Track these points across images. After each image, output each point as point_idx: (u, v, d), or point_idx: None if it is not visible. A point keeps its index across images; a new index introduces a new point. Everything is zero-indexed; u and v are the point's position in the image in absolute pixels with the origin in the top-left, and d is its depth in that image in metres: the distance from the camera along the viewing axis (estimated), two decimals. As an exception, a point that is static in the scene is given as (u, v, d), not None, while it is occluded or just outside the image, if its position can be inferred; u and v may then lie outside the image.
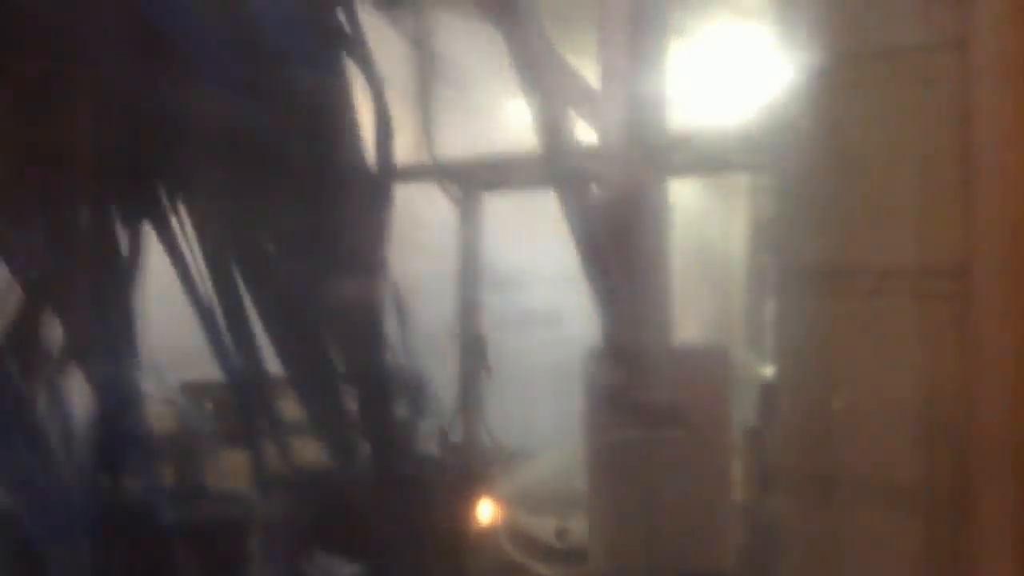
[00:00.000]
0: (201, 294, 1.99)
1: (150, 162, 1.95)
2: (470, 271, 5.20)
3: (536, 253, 4.92)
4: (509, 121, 5.09)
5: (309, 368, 2.08)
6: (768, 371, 3.37)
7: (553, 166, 3.75)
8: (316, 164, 2.03)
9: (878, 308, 1.72)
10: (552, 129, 3.69)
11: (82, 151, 1.87)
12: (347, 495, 2.15)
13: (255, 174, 1.99)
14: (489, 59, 3.58)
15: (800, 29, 1.88)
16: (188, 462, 2.93)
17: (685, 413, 3.58)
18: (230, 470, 2.53)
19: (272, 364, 2.04)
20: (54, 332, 2.00)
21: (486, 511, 4.01)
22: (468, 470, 4.46)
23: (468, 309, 5.18)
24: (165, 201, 2.00)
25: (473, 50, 3.39)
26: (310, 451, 2.13)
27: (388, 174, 2.09)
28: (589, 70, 3.89)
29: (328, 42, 2.03)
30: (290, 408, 2.11)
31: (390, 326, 2.09)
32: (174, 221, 2.01)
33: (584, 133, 3.88)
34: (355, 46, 2.04)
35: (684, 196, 3.98)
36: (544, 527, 4.32)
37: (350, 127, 2.06)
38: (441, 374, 3.36)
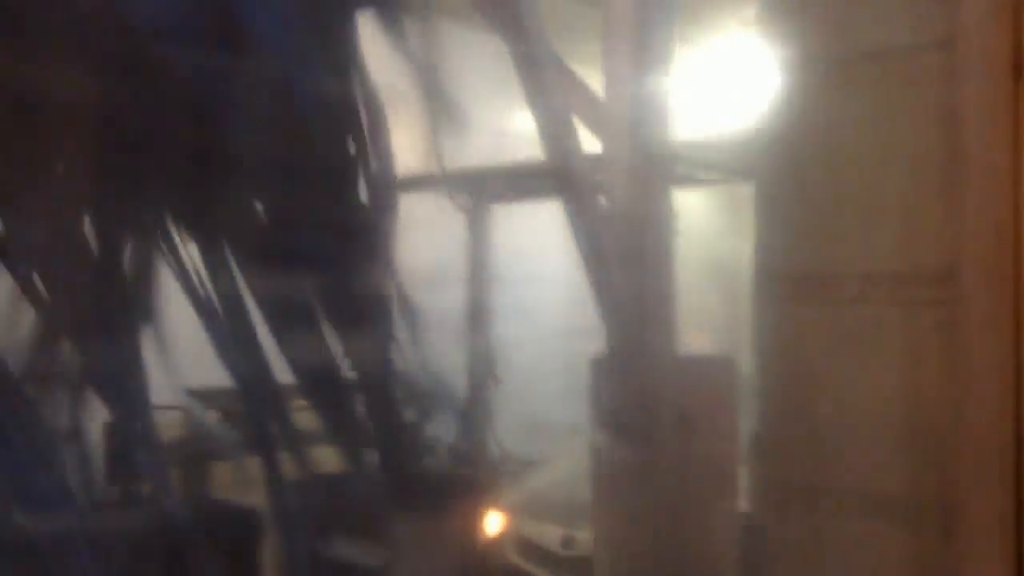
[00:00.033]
0: (204, 298, 2.00)
1: (152, 176, 1.97)
2: (478, 280, 5.21)
3: (543, 262, 4.92)
4: (519, 131, 5.10)
5: (318, 375, 2.08)
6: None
7: (558, 175, 3.76)
8: (316, 165, 2.04)
9: (862, 314, 1.69)
10: (557, 138, 3.69)
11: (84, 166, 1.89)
12: (357, 501, 2.16)
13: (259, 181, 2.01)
14: (495, 70, 3.59)
15: (787, 33, 1.85)
16: (198, 469, 2.95)
17: (692, 422, 3.57)
18: (240, 478, 2.54)
19: (282, 372, 2.05)
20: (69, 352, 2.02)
21: (493, 519, 4.01)
22: (475, 478, 4.46)
23: (477, 318, 5.19)
24: (168, 209, 2.02)
25: (479, 60, 3.41)
26: (323, 458, 2.14)
27: (388, 175, 2.10)
28: (594, 79, 3.90)
29: (327, 48, 2.04)
30: (302, 417, 2.12)
31: (400, 332, 2.10)
32: (176, 227, 2.02)
33: (589, 142, 3.89)
34: (351, 53, 2.05)
35: (690, 204, 3.97)
36: (550, 535, 4.32)
37: (350, 130, 2.07)
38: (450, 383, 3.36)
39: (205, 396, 2.99)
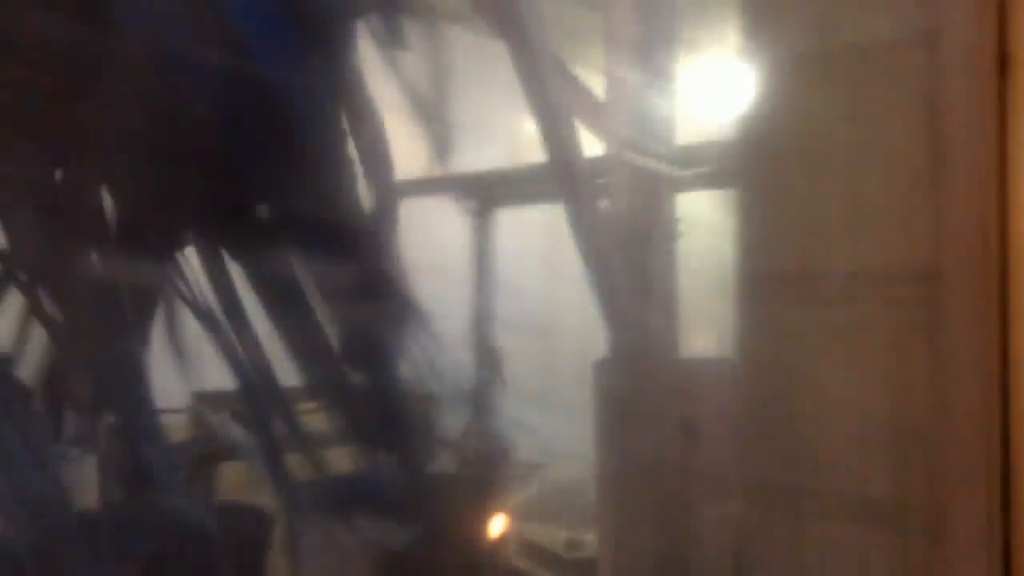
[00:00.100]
0: (203, 302, 2.01)
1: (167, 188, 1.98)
2: (484, 283, 5.21)
3: (547, 265, 4.91)
4: (524, 135, 5.11)
5: (326, 377, 2.09)
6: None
7: (560, 178, 3.76)
8: (314, 167, 2.05)
9: (846, 313, 1.66)
10: (559, 142, 3.69)
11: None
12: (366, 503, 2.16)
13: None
14: (497, 73, 3.59)
15: (767, 28, 1.82)
16: (207, 472, 2.95)
17: (695, 424, 3.56)
18: (243, 480, 2.55)
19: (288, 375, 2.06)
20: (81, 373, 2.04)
21: (497, 521, 4.01)
22: (481, 480, 4.46)
23: (482, 321, 5.19)
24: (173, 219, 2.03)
25: (481, 64, 3.41)
26: (333, 460, 2.14)
27: (388, 178, 2.11)
28: (596, 82, 3.90)
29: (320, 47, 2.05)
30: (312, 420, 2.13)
31: (407, 335, 2.10)
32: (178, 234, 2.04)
33: (591, 145, 3.89)
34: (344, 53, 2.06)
35: (692, 207, 3.97)
36: (554, 538, 4.32)
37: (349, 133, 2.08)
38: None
39: (214, 399, 3.01)
